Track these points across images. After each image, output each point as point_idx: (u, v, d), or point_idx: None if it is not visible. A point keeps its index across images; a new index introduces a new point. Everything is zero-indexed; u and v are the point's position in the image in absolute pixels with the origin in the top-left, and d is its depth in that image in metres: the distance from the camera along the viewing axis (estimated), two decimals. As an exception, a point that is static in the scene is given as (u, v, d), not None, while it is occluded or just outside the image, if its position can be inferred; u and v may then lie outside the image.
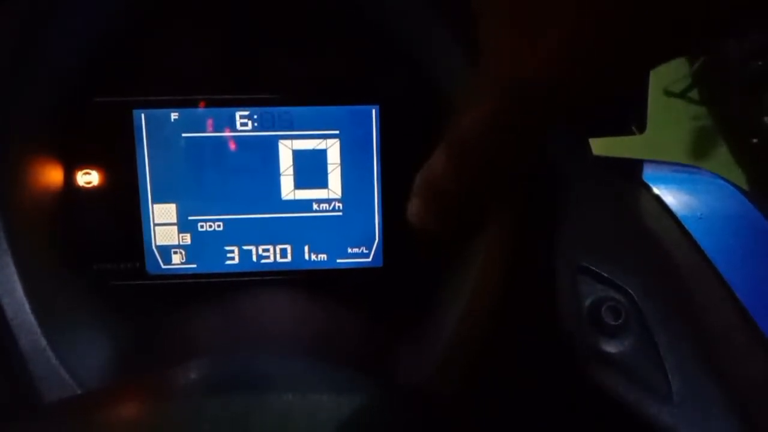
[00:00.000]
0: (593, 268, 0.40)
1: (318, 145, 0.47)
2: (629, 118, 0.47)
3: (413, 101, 0.47)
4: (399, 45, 0.45)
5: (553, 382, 0.38)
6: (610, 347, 0.39)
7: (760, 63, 1.64)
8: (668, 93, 1.80)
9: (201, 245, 0.47)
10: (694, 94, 1.84)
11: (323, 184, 0.47)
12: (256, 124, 0.46)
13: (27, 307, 0.37)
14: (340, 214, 0.48)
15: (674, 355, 0.38)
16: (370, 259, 0.48)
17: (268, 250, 0.47)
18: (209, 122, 0.46)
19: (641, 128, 0.47)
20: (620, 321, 0.39)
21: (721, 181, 0.52)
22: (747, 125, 1.72)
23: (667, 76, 1.78)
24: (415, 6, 0.41)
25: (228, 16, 0.46)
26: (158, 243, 0.47)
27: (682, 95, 1.82)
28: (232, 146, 0.46)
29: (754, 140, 1.69)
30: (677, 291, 0.41)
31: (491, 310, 0.38)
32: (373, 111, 0.47)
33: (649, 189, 0.49)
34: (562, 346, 0.38)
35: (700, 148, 1.79)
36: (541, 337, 0.39)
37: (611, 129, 0.47)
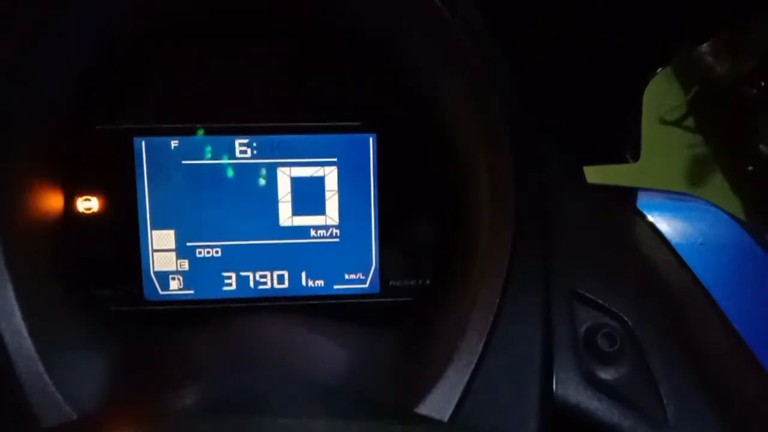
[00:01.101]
0: (588, 295, 0.41)
1: (316, 172, 0.47)
2: (623, 146, 0.47)
3: (410, 130, 0.47)
4: (396, 75, 0.46)
5: (549, 406, 0.38)
6: (606, 374, 0.39)
7: (754, 91, 1.66)
8: (664, 121, 1.81)
9: (199, 271, 0.47)
10: (689, 122, 1.85)
11: (321, 210, 0.48)
12: (255, 152, 0.47)
13: (25, 332, 0.37)
14: (338, 240, 0.48)
15: (669, 380, 0.38)
16: (366, 286, 0.48)
17: (265, 276, 0.48)
18: (209, 149, 0.47)
19: (635, 156, 0.48)
20: (616, 347, 0.39)
21: (716, 209, 0.53)
22: (742, 153, 1.72)
23: (662, 105, 1.80)
24: (412, 37, 0.42)
25: (228, 46, 0.46)
26: (156, 269, 0.47)
27: (677, 123, 1.83)
28: (231, 173, 0.47)
29: (750, 168, 1.69)
30: (672, 317, 0.42)
31: (486, 333, 0.39)
32: (371, 139, 0.47)
33: (643, 217, 0.49)
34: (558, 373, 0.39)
35: (695, 176, 1.80)
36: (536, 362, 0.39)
37: (605, 156, 0.48)
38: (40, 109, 0.41)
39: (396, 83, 0.46)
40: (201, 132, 0.46)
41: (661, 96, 1.80)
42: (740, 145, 1.73)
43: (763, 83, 1.62)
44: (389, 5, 0.40)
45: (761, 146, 1.66)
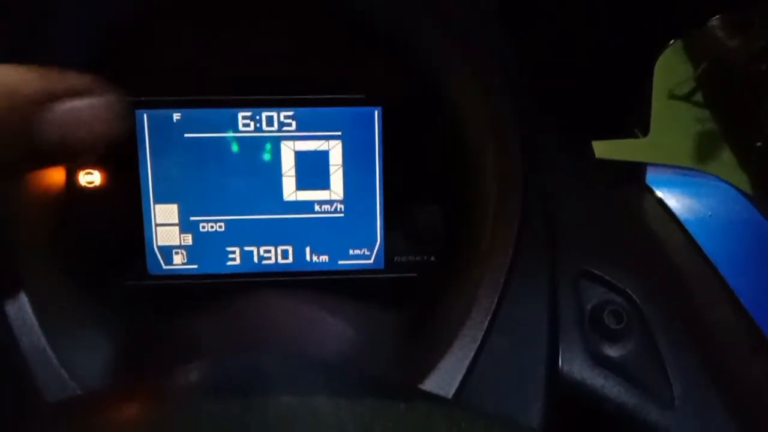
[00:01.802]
0: (595, 272, 0.40)
1: (320, 146, 0.47)
2: (632, 120, 0.47)
3: (415, 103, 0.47)
4: (401, 47, 0.45)
5: (554, 384, 0.38)
6: (612, 351, 0.39)
7: (764, 67, 1.64)
8: (673, 96, 1.80)
9: (202, 246, 0.47)
10: (698, 97, 1.83)
11: (325, 185, 0.47)
12: (258, 125, 0.46)
13: (28, 307, 0.37)
14: (342, 215, 0.47)
15: (676, 359, 0.38)
16: (371, 261, 0.48)
17: (269, 251, 0.47)
18: (211, 122, 0.46)
19: (644, 131, 0.47)
20: (622, 325, 0.39)
21: (725, 185, 0.52)
22: (751, 129, 1.71)
23: (671, 79, 1.78)
24: (417, 9, 0.41)
25: (231, 17, 0.45)
26: (160, 243, 0.47)
27: (686, 98, 1.82)
28: (235, 146, 0.46)
29: (758, 143, 1.69)
30: (680, 295, 0.41)
31: (492, 310, 0.38)
32: (376, 112, 0.47)
33: (652, 192, 0.49)
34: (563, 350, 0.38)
35: (704, 151, 1.79)
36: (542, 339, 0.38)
37: (614, 131, 0.47)
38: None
39: (401, 57, 0.46)
40: (204, 105, 0.46)
41: (670, 70, 1.78)
42: (749, 121, 1.72)
43: (773, 58, 1.61)
44: None
45: (770, 122, 1.64)
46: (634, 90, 0.45)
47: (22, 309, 0.37)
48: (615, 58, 0.44)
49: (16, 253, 0.37)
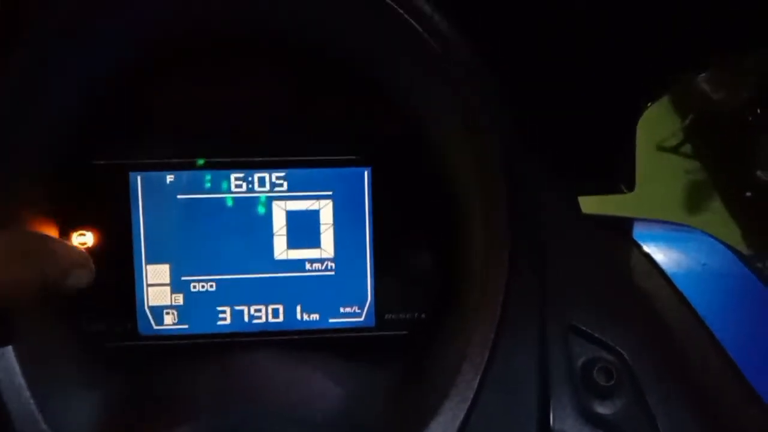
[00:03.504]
0: (585, 329, 0.41)
1: (311, 205, 0.47)
2: (618, 176, 0.47)
3: (405, 163, 0.47)
4: (392, 108, 0.46)
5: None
6: (603, 409, 0.39)
7: (750, 117, 1.67)
8: (661, 148, 1.82)
9: (193, 306, 0.47)
10: (686, 148, 1.86)
11: (316, 244, 0.47)
12: (250, 186, 0.47)
13: (17, 368, 0.37)
14: (333, 273, 0.48)
15: (666, 416, 0.38)
16: (362, 319, 0.48)
17: (260, 310, 0.47)
18: (204, 184, 0.47)
19: (630, 187, 0.48)
20: (612, 382, 0.39)
21: (712, 240, 0.53)
22: (740, 179, 1.73)
23: (659, 132, 1.81)
24: (409, 69, 0.42)
25: (223, 80, 0.47)
26: (151, 304, 0.47)
27: (674, 150, 1.84)
28: (227, 207, 0.47)
29: (748, 194, 1.70)
30: (669, 351, 0.41)
31: (482, 368, 0.38)
32: (366, 173, 0.47)
33: (639, 247, 0.49)
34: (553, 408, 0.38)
35: (693, 203, 1.80)
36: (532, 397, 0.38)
37: (600, 187, 0.48)
38: (35, 144, 0.41)
39: (390, 117, 0.47)
40: (198, 166, 0.47)
41: (657, 123, 1.81)
42: (738, 172, 1.74)
43: (759, 110, 1.64)
44: (375, 35, 0.41)
45: (758, 172, 1.66)
46: (619, 146, 0.46)
47: (10, 370, 0.37)
48: (599, 114, 0.45)
49: (5, 314, 0.37)
